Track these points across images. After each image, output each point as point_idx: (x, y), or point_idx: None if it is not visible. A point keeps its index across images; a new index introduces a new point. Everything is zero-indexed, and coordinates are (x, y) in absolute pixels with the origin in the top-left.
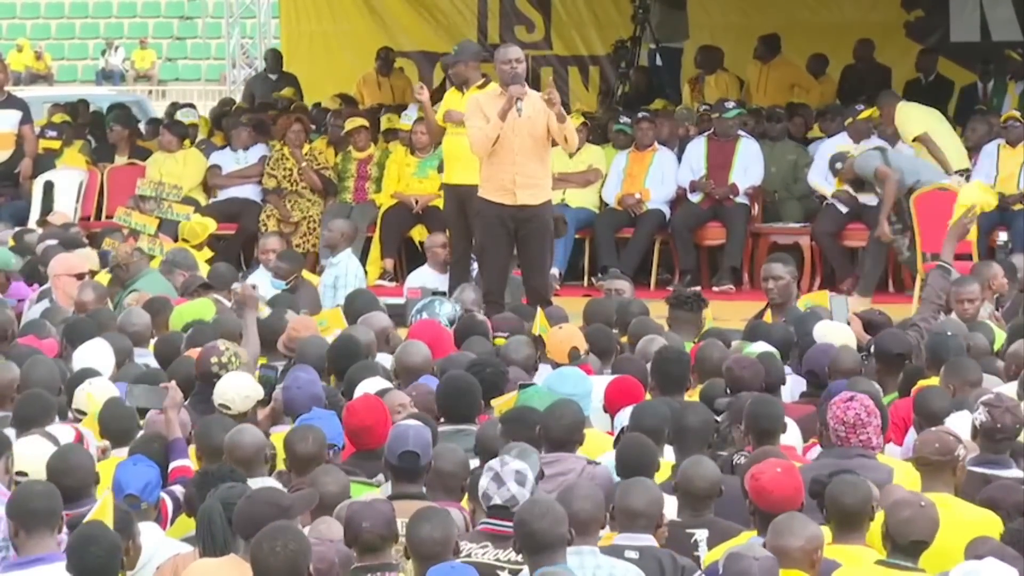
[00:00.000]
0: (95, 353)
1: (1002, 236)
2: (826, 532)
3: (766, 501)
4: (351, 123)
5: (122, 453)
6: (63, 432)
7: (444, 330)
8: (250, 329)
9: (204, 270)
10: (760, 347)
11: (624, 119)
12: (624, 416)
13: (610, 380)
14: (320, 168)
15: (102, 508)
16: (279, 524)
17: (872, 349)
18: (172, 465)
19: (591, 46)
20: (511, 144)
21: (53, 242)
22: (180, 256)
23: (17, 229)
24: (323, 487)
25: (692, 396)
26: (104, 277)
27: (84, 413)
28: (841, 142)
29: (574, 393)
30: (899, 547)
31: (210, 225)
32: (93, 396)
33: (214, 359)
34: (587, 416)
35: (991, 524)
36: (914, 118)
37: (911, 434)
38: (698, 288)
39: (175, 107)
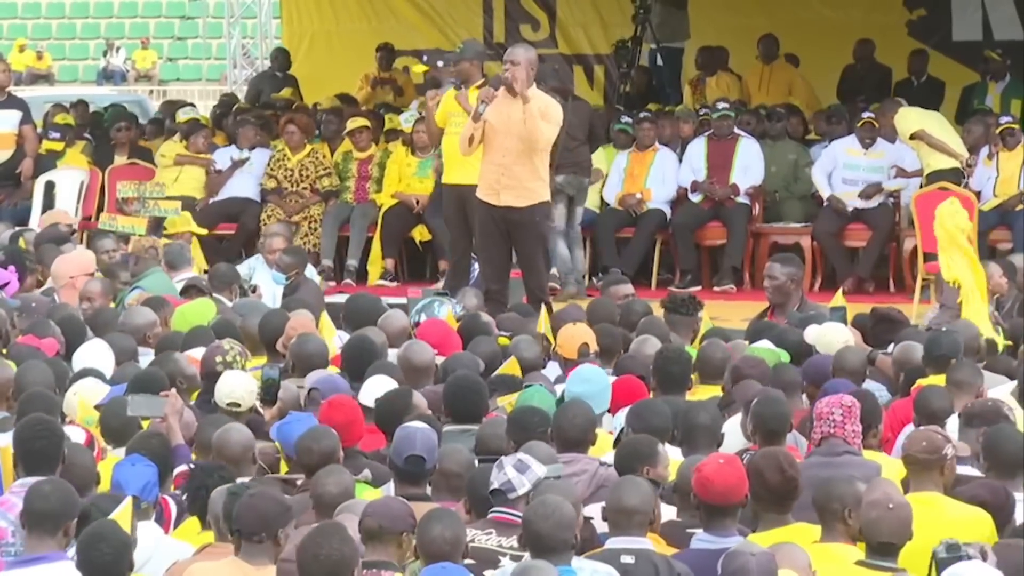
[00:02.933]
0: (94, 354)
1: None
2: (813, 530)
3: (708, 492)
4: (353, 122)
5: (121, 453)
6: (74, 433)
7: (451, 330)
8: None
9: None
10: (763, 346)
11: (625, 119)
12: (623, 417)
13: (613, 381)
14: (322, 172)
15: (122, 513)
16: (327, 527)
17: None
18: (177, 471)
19: (596, 45)
20: (501, 145)
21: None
22: (176, 251)
23: (17, 229)
24: (323, 487)
25: (693, 396)
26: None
27: (72, 421)
28: (850, 144)
29: (588, 391)
30: (871, 547)
31: (191, 222)
32: (84, 401)
33: (219, 358)
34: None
35: (980, 522)
36: (909, 118)
37: (904, 433)
38: (694, 289)
39: (172, 105)
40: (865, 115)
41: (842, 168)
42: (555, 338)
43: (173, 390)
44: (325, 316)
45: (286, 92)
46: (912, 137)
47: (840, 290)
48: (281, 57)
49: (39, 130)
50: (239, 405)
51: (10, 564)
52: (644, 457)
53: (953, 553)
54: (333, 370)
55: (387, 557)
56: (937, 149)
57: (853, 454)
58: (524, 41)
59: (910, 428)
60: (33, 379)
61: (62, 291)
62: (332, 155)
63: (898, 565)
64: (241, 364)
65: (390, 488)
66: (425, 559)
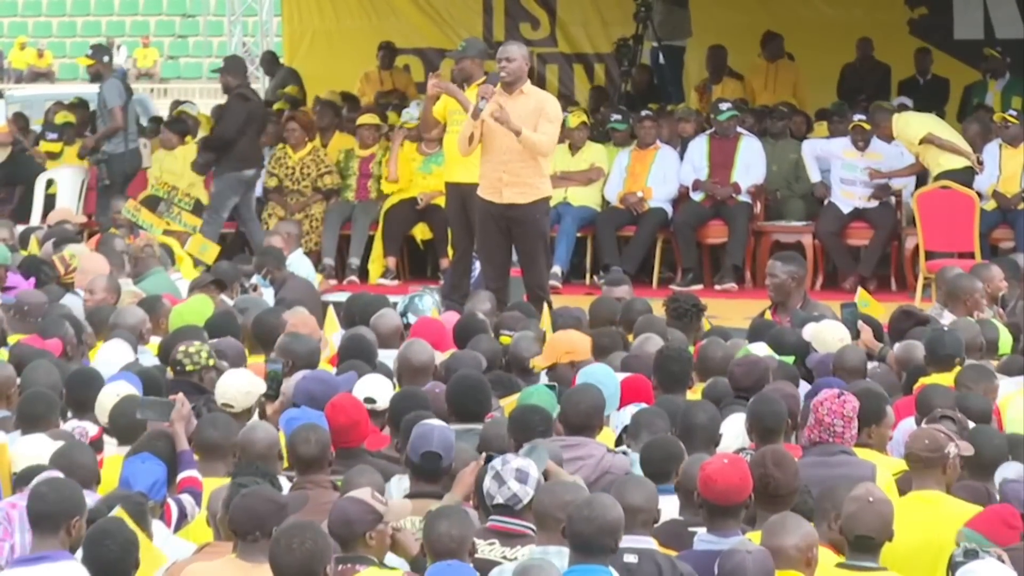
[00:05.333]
0: (115, 353)
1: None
2: None
3: (711, 491)
4: (365, 118)
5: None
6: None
7: (445, 329)
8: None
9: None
10: (759, 348)
11: (616, 116)
12: (624, 415)
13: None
14: (324, 170)
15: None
16: (300, 522)
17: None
18: (181, 476)
19: (596, 43)
20: (500, 143)
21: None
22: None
23: (26, 227)
24: (356, 486)
25: (694, 394)
26: None
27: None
28: (847, 146)
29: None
30: (851, 544)
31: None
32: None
33: (181, 347)
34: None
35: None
36: (913, 123)
37: (900, 430)
38: (695, 287)
39: (178, 104)
40: (856, 118)
41: (840, 169)
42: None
43: (181, 395)
44: (331, 312)
45: (291, 89)
46: (921, 142)
47: (860, 289)
48: (269, 61)
49: (39, 129)
50: (232, 407)
51: (14, 563)
52: None
53: (971, 558)
54: (327, 367)
55: (359, 551)
56: (948, 150)
57: (848, 454)
58: (524, 40)
59: (906, 424)
60: (37, 379)
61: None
62: (326, 147)
63: (879, 564)
64: (205, 357)
65: (391, 487)
66: (431, 556)
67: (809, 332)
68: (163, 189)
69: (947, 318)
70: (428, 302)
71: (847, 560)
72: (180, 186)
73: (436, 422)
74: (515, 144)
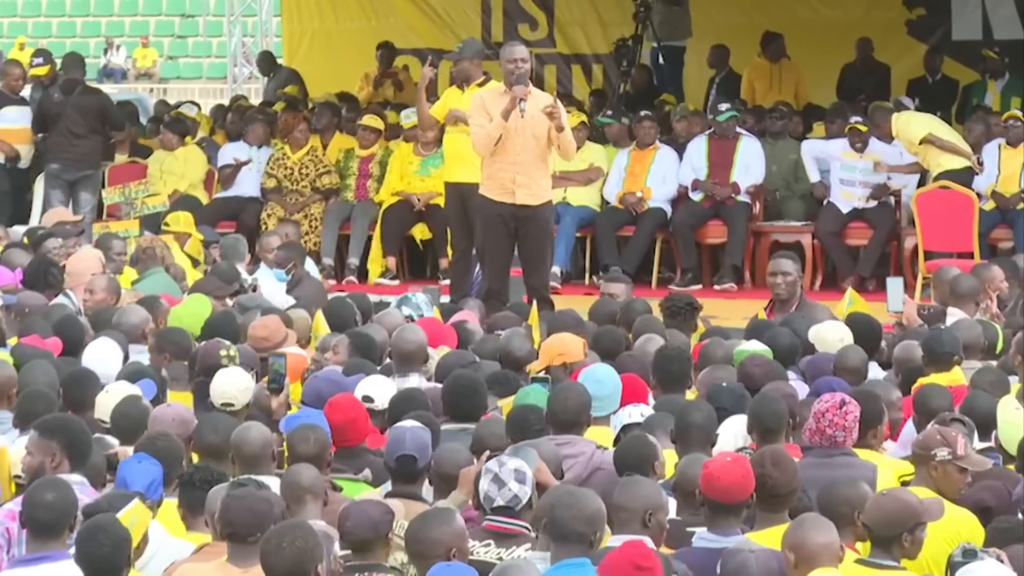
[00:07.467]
0: (103, 352)
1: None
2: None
3: (714, 489)
4: (368, 120)
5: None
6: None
7: (447, 328)
8: None
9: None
10: (754, 346)
11: (607, 112)
12: (623, 415)
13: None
14: (323, 170)
15: (134, 511)
16: (290, 521)
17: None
18: None
19: (594, 44)
20: (513, 143)
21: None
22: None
23: (27, 228)
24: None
25: (694, 395)
26: None
27: (105, 422)
28: (845, 147)
29: (600, 392)
30: (870, 537)
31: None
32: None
33: (223, 352)
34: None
35: (967, 522)
36: (914, 123)
37: (906, 431)
38: (695, 287)
39: (165, 106)
40: (852, 120)
41: (839, 170)
42: (541, 336)
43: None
44: (320, 315)
45: (292, 89)
46: (922, 142)
47: (850, 289)
48: (265, 61)
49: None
50: (232, 405)
51: (13, 563)
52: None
53: (969, 559)
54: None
55: (375, 559)
56: (948, 151)
57: (848, 455)
58: (523, 40)
59: (909, 425)
60: (36, 379)
61: (78, 289)
62: (325, 149)
63: (896, 563)
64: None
65: (389, 487)
66: (414, 559)
67: (815, 335)
68: (115, 194)
69: (948, 317)
70: (421, 298)
71: (869, 556)
72: (181, 187)
73: (409, 423)
74: (529, 145)
